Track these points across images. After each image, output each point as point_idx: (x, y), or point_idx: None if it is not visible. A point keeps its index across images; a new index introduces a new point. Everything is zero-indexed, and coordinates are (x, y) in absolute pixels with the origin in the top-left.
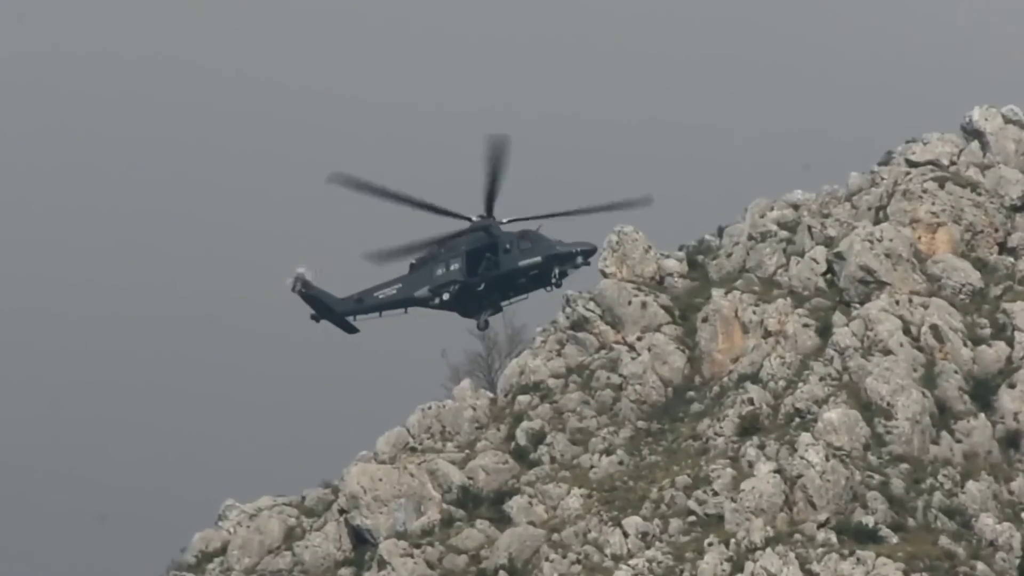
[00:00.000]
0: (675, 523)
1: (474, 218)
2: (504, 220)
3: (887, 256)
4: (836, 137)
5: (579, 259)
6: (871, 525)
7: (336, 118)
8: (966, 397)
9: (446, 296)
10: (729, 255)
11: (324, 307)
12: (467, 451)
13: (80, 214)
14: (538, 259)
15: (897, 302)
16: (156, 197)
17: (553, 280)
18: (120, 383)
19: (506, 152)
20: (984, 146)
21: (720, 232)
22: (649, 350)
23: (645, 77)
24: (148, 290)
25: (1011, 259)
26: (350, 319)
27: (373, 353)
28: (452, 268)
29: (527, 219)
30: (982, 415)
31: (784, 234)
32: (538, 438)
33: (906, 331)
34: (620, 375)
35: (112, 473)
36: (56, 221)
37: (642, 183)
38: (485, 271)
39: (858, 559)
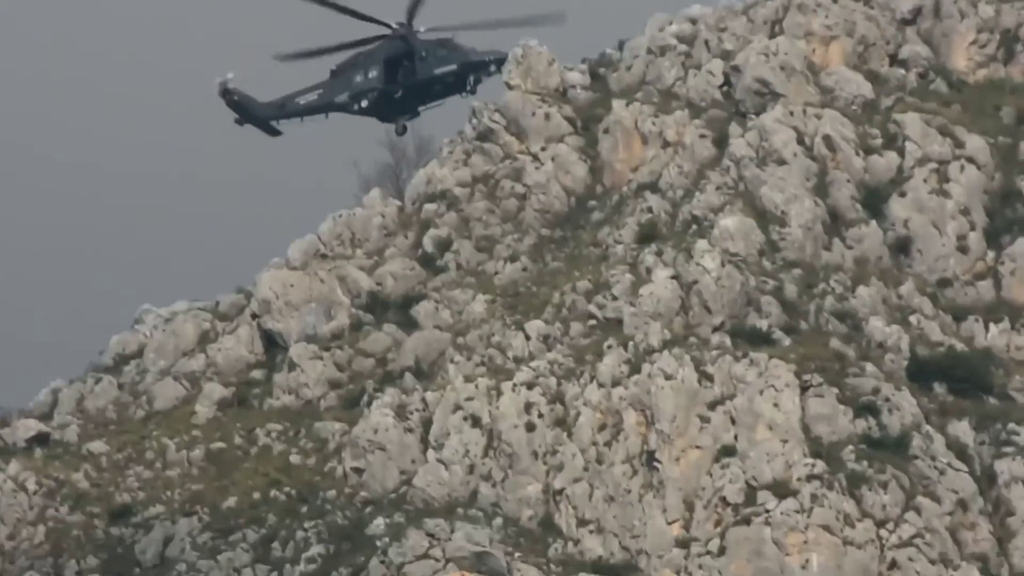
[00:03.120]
0: (576, 327)
1: (393, 25)
2: (421, 29)
3: (782, 69)
4: None
5: (492, 67)
6: (764, 328)
7: None
8: (858, 205)
9: (365, 103)
10: (629, 68)
11: (248, 111)
12: (376, 258)
13: None
14: (454, 67)
15: (791, 113)
16: None
17: (468, 87)
18: (31, 183)
19: None
20: None
21: (621, 46)
22: (552, 160)
23: None
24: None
25: (902, 71)
26: (273, 123)
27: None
28: (371, 75)
29: (443, 29)
30: (873, 222)
31: (683, 48)
32: (444, 245)
33: (800, 141)
34: (524, 184)
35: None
36: None
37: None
38: (403, 78)
39: (751, 361)
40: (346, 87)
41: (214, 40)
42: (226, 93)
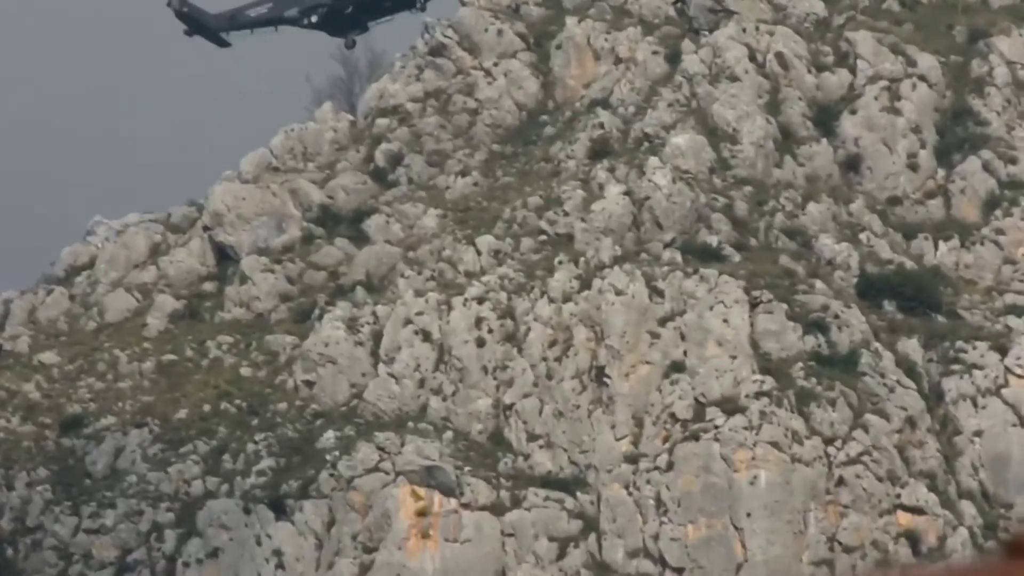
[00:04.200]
0: (527, 242)
1: None
2: None
3: None
4: None
5: None
6: (715, 245)
7: None
8: (809, 123)
9: (315, 18)
10: None
11: (198, 23)
12: (327, 172)
13: None
14: None
15: (744, 30)
16: None
17: (418, 4)
18: None
19: None
20: None
21: None
22: (505, 76)
23: None
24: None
25: None
26: (223, 35)
27: (237, 80)
28: None
29: None
30: (824, 140)
31: None
32: (396, 159)
33: (752, 58)
34: (476, 99)
35: None
36: None
37: None
38: None
39: (701, 277)
40: (296, 1)
41: None
42: (176, 3)
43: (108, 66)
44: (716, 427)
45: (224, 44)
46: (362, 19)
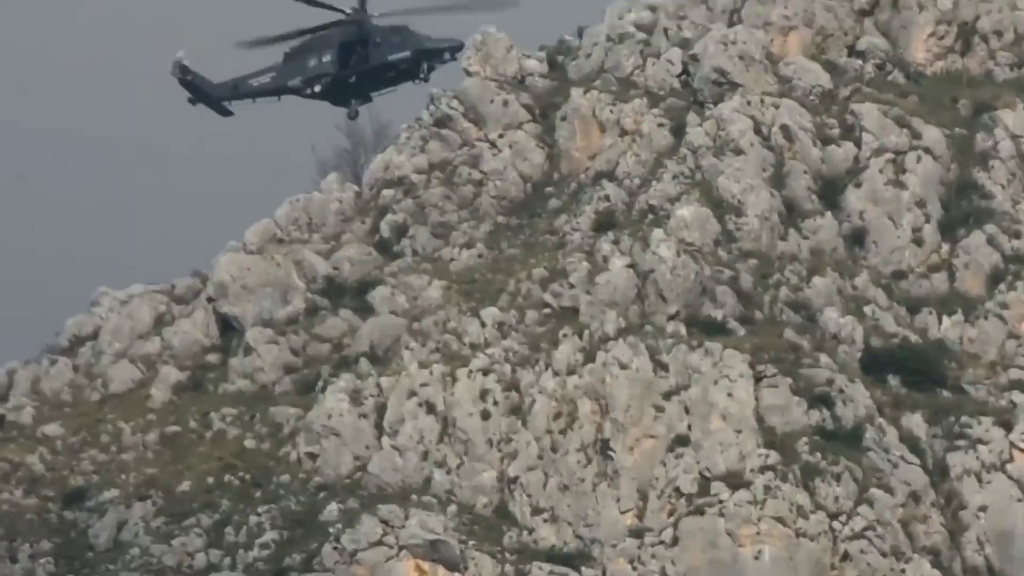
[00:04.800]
0: (531, 314)
1: (347, 10)
2: (375, 14)
3: (740, 58)
4: None
5: (447, 55)
6: (719, 318)
7: None
8: (814, 196)
9: (318, 87)
10: (588, 56)
11: (201, 92)
12: (332, 243)
13: None
14: (407, 54)
15: (749, 102)
16: None
17: (422, 74)
18: None
19: None
20: None
21: (580, 33)
22: (510, 147)
23: None
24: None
25: (860, 62)
26: (226, 104)
27: (243, 151)
28: (324, 60)
29: (398, 13)
30: (829, 213)
31: (642, 36)
32: (401, 231)
33: (757, 131)
34: (481, 171)
35: None
36: None
37: None
38: (356, 64)
39: (706, 350)
40: (300, 71)
41: (162, 25)
42: (179, 71)
43: (108, 141)
44: (721, 502)
45: (227, 113)
46: (365, 89)
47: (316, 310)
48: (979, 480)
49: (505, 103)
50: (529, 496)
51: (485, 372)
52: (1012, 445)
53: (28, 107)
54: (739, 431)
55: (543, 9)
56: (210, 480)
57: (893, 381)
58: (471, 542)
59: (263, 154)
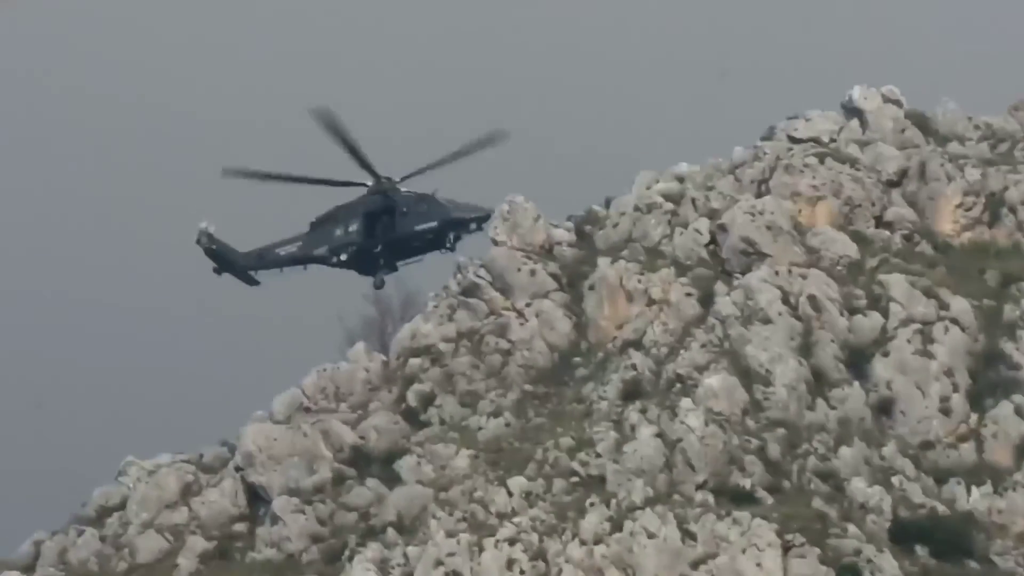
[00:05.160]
0: (559, 483)
1: (382, 179)
2: (398, 179)
3: (768, 228)
4: (722, 112)
5: (473, 225)
6: (747, 487)
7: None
8: (841, 365)
9: (344, 256)
10: (616, 225)
11: (227, 261)
12: (359, 412)
13: None
14: (434, 224)
15: (777, 273)
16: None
17: (448, 244)
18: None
19: (337, 120)
20: (863, 124)
21: (607, 203)
22: (537, 316)
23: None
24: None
25: (887, 232)
26: (252, 273)
27: (271, 319)
28: (351, 230)
29: (415, 173)
30: (856, 383)
31: (669, 206)
32: (428, 400)
33: (785, 301)
34: (509, 340)
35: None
36: None
37: (533, 154)
38: (382, 233)
39: (734, 520)
40: (326, 240)
41: (192, 179)
42: (204, 242)
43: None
44: None
45: (253, 282)
46: (391, 259)
47: (343, 479)
48: None
49: (532, 272)
50: None
51: (512, 542)
52: None
53: (48, 276)
54: None
55: (571, 179)
56: None
57: (921, 552)
58: None
59: (289, 323)
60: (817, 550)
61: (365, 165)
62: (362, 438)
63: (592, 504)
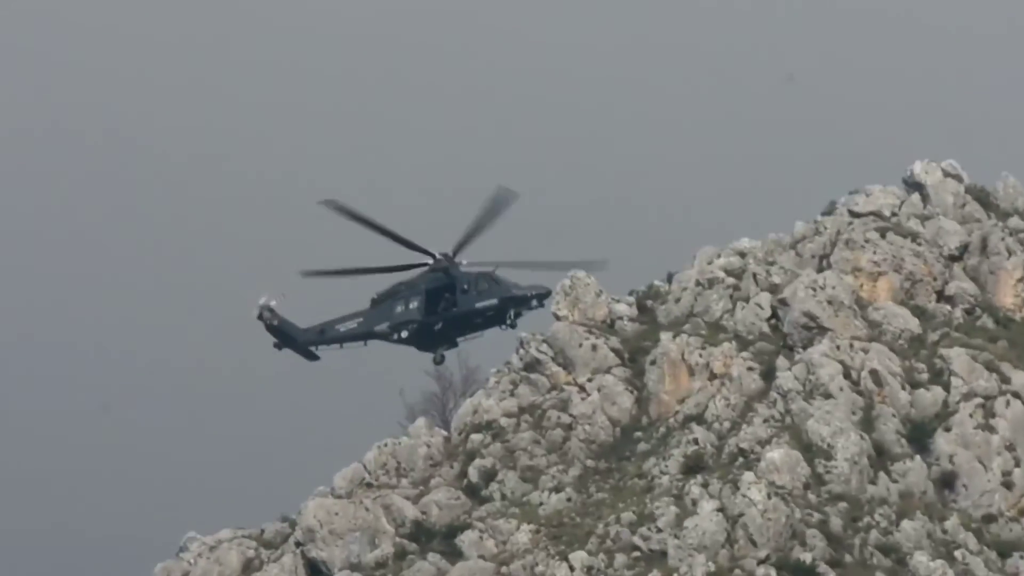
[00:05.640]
0: (620, 558)
1: (436, 256)
2: (463, 262)
3: (829, 303)
4: (782, 187)
5: (534, 302)
6: (809, 562)
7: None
8: (903, 439)
9: (405, 333)
10: (677, 300)
11: (287, 337)
12: (421, 487)
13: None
14: (495, 301)
15: (838, 347)
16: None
17: (508, 320)
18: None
19: (507, 207)
20: (924, 198)
21: (669, 278)
22: (599, 391)
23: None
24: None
25: (948, 307)
26: (312, 348)
27: (331, 394)
28: (412, 306)
29: (486, 264)
30: (918, 457)
31: (731, 280)
32: (490, 475)
33: (847, 375)
34: (570, 415)
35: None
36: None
37: (599, 233)
38: (443, 310)
39: None
40: (387, 316)
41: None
42: (265, 317)
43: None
44: None
45: (313, 357)
46: (452, 335)
47: (405, 554)
48: None
49: (594, 347)
50: None
51: None
52: None
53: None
54: None
55: (632, 254)
56: None
57: None
58: None
59: (350, 398)
60: None
61: (406, 243)
62: (423, 513)
63: None
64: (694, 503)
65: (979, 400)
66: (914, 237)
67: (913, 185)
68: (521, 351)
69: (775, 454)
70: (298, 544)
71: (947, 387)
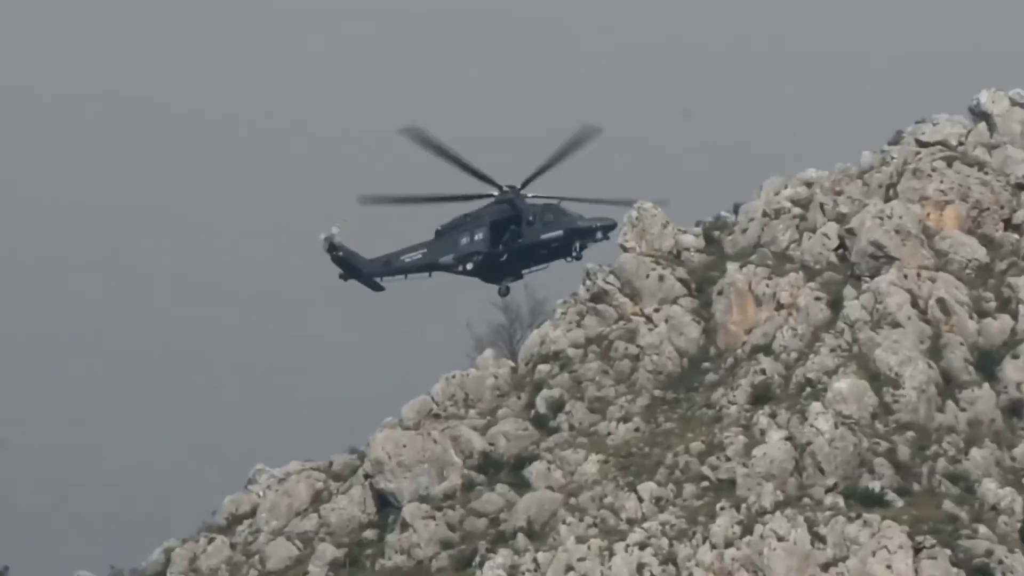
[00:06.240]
0: (688, 488)
1: (504, 187)
2: (529, 195)
3: (896, 232)
4: (849, 116)
5: (599, 234)
6: (877, 490)
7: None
8: (971, 368)
9: (470, 265)
10: (744, 231)
11: (352, 267)
12: (489, 418)
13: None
14: (560, 232)
15: (906, 276)
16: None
17: (574, 252)
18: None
19: (587, 144)
20: (991, 127)
21: (736, 209)
22: (666, 322)
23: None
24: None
25: (1016, 235)
26: (377, 279)
27: (399, 325)
28: (477, 238)
29: (550, 198)
30: (986, 385)
31: (797, 211)
32: (557, 406)
33: (914, 304)
34: (638, 346)
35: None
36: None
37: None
38: (508, 242)
39: (864, 522)
40: (452, 248)
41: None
42: (331, 248)
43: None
44: None
45: (378, 288)
46: (516, 267)
47: (472, 485)
48: None
49: (661, 278)
50: None
51: (642, 546)
52: None
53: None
54: None
55: (700, 186)
56: None
57: None
58: None
59: (418, 330)
60: (948, 552)
61: (477, 174)
62: (491, 444)
63: (722, 508)
64: (762, 433)
65: None
66: (981, 166)
67: (980, 114)
68: (588, 282)
69: (842, 384)
70: (367, 476)
71: (1015, 315)
